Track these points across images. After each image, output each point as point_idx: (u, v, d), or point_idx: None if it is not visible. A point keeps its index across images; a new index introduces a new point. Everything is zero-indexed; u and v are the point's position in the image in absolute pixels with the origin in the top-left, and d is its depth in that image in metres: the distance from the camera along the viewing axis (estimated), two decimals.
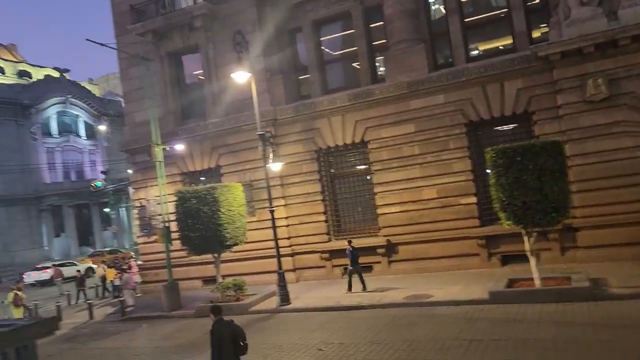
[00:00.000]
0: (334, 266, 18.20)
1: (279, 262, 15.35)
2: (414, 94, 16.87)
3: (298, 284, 18.10)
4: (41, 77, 59.50)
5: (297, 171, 18.67)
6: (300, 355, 9.93)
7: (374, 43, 18.66)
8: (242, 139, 19.17)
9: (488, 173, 16.37)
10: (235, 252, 17.47)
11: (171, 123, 20.39)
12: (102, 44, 15.85)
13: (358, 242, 17.86)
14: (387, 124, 17.35)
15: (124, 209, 58.01)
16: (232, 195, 15.92)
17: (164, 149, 17.39)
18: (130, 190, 45.20)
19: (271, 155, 15.58)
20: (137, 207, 21.42)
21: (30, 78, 60.35)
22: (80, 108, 56.73)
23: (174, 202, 16.18)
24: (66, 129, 55.13)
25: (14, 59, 62.66)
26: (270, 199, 15.40)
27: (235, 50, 18.87)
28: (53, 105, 53.79)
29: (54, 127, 53.89)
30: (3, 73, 58.57)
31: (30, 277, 34.49)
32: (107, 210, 48.86)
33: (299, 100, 19.08)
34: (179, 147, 18.78)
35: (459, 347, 9.11)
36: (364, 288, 15.07)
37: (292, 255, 18.66)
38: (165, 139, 20.05)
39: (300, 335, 11.47)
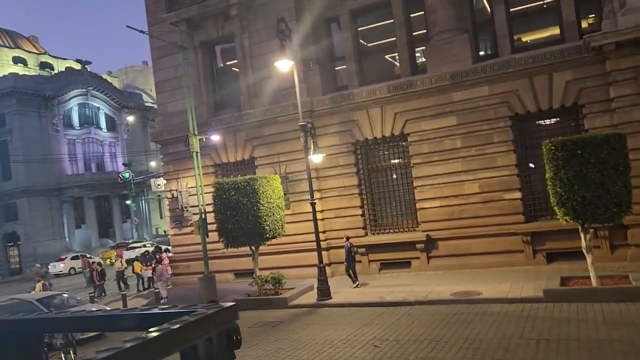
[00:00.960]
0: (370, 261, 17.88)
1: (320, 256, 15.06)
2: (457, 85, 16.42)
3: (333, 278, 17.75)
4: (62, 69, 59.87)
5: (333, 164, 18.33)
6: (356, 351, 9.60)
7: (414, 33, 18.24)
8: (277, 131, 18.87)
9: (533, 167, 16.00)
10: (270, 245, 17.18)
11: (205, 114, 20.14)
12: (141, 32, 15.57)
13: (396, 237, 17.59)
14: (428, 116, 16.92)
15: (143, 201, 58.30)
16: (271, 187, 15.63)
17: (200, 139, 17.14)
18: (153, 182, 45.29)
19: (312, 147, 15.23)
20: (168, 198, 21.23)
21: (52, 70, 60.75)
22: (101, 100, 56.95)
23: (212, 194, 15.92)
24: (87, 121, 55.42)
25: (36, 51, 63.02)
26: (311, 192, 15.09)
27: (271, 40, 18.64)
28: (75, 97, 54.06)
29: (75, 119, 54.19)
30: (25, 64, 58.95)
31: (56, 267, 34.62)
32: (128, 202, 48.93)
33: (336, 92, 18.71)
34: (215, 138, 18.52)
35: (526, 346, 8.71)
36: (354, 283, 15.65)
37: (327, 249, 18.33)
38: (198, 130, 19.70)
39: (349, 331, 11.15)
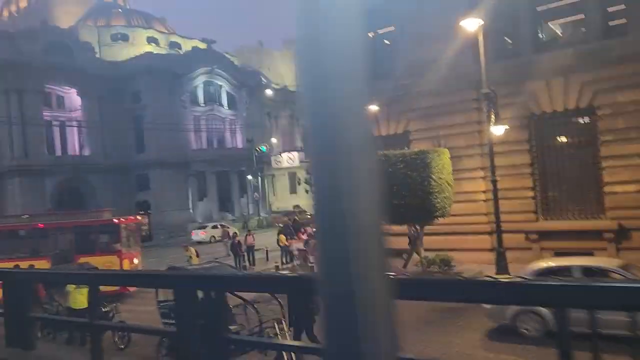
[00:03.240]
0: (542, 249, 15.98)
1: (500, 239, 13.62)
2: None
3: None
4: (189, 48, 62.62)
5: (501, 139, 16.50)
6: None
7: None
8: (437, 102, 17.43)
9: None
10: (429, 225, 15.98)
11: None
12: None
13: (576, 224, 15.52)
14: (626, 86, 14.52)
15: (260, 177, 59.79)
16: (442, 162, 14.31)
17: None
18: (273, 159, 45.91)
19: (493, 118, 13.64)
20: None
21: (180, 49, 63.80)
22: (223, 78, 58.82)
23: None
24: (211, 98, 57.55)
25: (166, 31, 66.58)
26: (492, 167, 13.58)
27: (433, 3, 17.16)
28: (200, 75, 56.29)
29: (200, 96, 56.51)
30: (157, 44, 62.45)
31: (198, 235, 36.55)
32: (249, 177, 50.25)
33: (507, 59, 16.82)
34: (374, 108, 17.44)
35: None
36: None
37: (489, 233, 16.71)
38: None
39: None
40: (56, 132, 51.40)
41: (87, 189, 50.26)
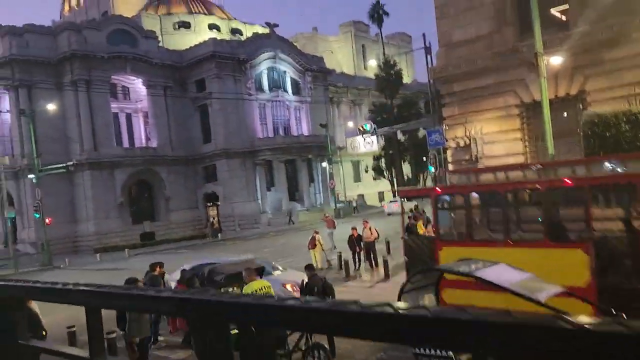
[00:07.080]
0: None
1: None
2: None
3: None
4: (250, 34, 60.32)
5: None
6: None
7: None
8: (629, 52, 13.80)
9: None
10: None
11: (509, 39, 15.79)
12: None
13: None
14: None
15: (324, 165, 56.99)
16: None
17: (547, 59, 12.76)
18: (349, 142, 42.83)
19: None
20: (451, 147, 17.47)
21: (241, 35, 61.59)
22: (287, 63, 56.21)
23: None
24: (275, 85, 55.06)
25: (226, 17, 64.54)
26: None
27: None
28: (264, 60, 53.82)
29: (265, 83, 54.08)
30: (219, 30, 60.46)
31: (391, 207, 34.63)
32: (324, 164, 47.47)
33: None
34: (557, 60, 13.95)
35: None
36: None
37: None
38: (500, 59, 15.64)
39: None
40: (123, 123, 50.22)
41: (156, 181, 48.86)
